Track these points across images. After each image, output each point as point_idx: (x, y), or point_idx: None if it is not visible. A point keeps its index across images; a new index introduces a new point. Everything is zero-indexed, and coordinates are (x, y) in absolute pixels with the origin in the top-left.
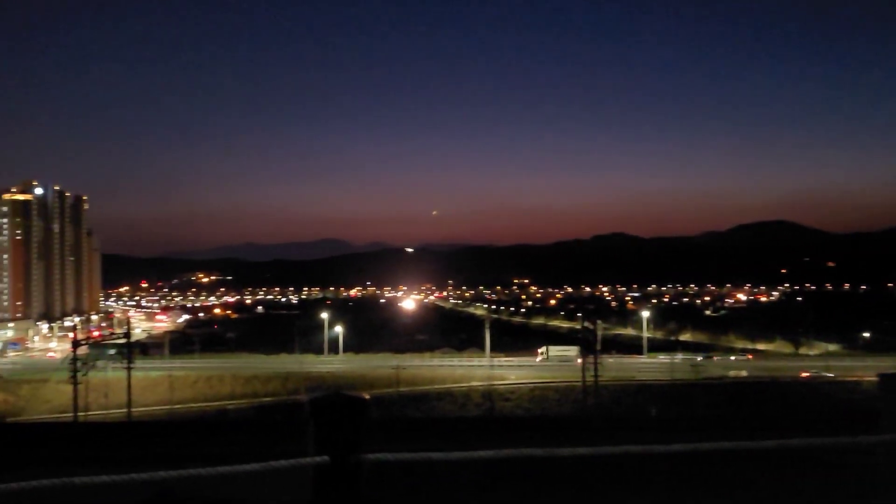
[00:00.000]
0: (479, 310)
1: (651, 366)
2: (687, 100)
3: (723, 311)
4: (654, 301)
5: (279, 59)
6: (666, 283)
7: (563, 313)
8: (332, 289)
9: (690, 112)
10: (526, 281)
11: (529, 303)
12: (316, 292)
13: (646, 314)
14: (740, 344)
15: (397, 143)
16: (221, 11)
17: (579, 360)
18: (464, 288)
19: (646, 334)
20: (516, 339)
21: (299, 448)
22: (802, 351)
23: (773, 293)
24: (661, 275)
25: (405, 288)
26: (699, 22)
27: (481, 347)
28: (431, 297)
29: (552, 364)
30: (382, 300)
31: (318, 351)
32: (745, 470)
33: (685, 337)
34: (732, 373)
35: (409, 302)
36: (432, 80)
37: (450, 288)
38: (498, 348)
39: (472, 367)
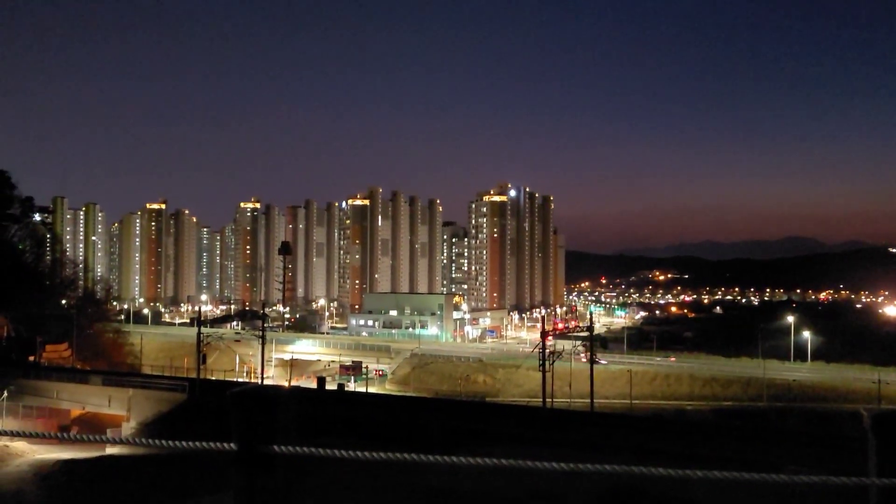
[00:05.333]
0: None
1: None
2: None
3: None
4: None
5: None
6: None
7: None
8: (797, 291)
9: None
10: None
11: None
12: (780, 294)
13: None
14: None
15: (874, 133)
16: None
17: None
18: None
19: None
20: None
21: (756, 457)
22: None
23: None
24: None
25: (886, 293)
26: None
27: None
28: None
29: None
30: (858, 305)
31: (783, 356)
32: None
33: None
34: None
35: (891, 309)
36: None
37: None
38: None
39: None
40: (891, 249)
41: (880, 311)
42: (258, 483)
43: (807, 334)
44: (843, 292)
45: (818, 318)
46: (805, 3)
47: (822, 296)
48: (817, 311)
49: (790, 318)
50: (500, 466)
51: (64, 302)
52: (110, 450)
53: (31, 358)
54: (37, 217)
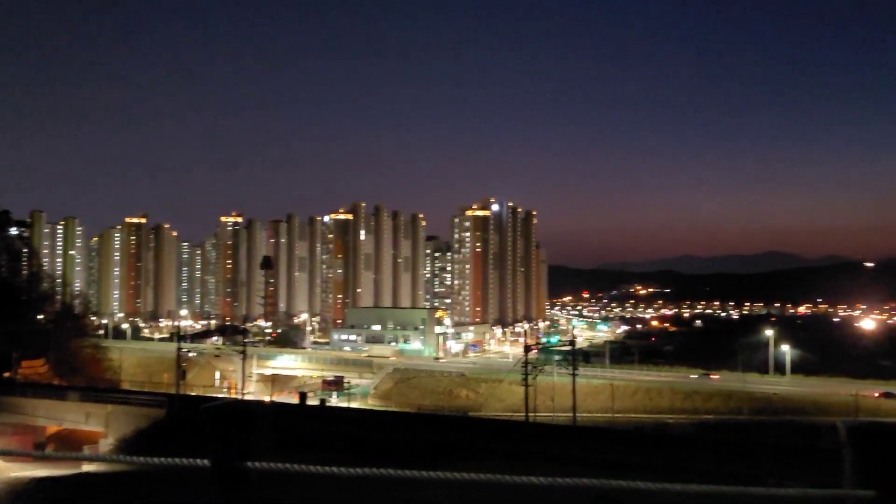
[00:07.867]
0: None
1: None
2: None
3: None
4: None
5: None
6: None
7: None
8: (776, 304)
9: None
10: None
11: None
12: (758, 308)
13: None
14: None
15: (853, 148)
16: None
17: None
18: None
19: None
20: None
21: (737, 470)
22: None
23: None
24: None
25: (863, 306)
26: None
27: None
28: None
29: None
30: (836, 319)
31: (763, 370)
32: None
33: None
34: None
35: (868, 322)
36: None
37: None
38: None
39: None
40: (867, 264)
41: (857, 324)
42: (232, 500)
43: (786, 348)
44: (821, 306)
45: (797, 332)
46: (786, 19)
47: (801, 310)
48: (796, 325)
49: (769, 332)
50: (480, 481)
51: (41, 317)
52: (87, 467)
53: (7, 374)
54: (13, 231)
